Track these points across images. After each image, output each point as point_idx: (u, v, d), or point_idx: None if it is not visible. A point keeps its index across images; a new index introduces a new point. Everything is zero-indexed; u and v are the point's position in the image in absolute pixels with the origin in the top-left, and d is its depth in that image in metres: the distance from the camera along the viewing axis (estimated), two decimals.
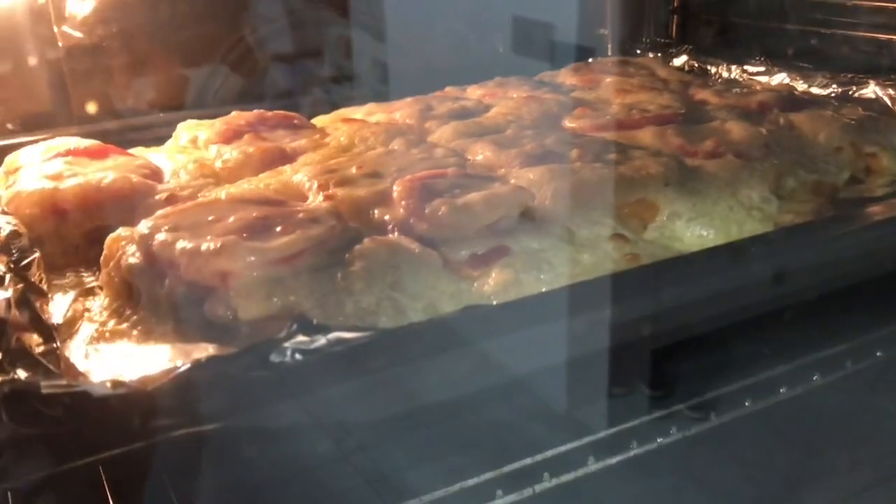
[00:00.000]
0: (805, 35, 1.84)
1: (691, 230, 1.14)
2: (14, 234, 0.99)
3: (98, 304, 1.03)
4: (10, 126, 1.60)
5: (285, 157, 1.32)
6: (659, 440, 1.03)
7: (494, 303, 0.93)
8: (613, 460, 1.00)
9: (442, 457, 1.02)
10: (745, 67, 1.85)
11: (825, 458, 1.19)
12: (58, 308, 1.01)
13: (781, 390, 1.13)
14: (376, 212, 1.07)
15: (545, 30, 2.02)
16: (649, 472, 1.09)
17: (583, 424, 1.03)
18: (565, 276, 0.98)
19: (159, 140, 1.53)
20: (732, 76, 1.86)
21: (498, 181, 1.14)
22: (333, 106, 1.74)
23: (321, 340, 0.81)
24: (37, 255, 0.98)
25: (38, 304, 0.89)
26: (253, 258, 0.91)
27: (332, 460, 1.04)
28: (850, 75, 1.67)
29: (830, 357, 1.18)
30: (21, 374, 0.70)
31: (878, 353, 1.20)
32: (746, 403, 1.11)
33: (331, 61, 1.96)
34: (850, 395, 1.23)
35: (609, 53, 2.21)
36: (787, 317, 1.16)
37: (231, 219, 0.99)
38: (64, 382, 0.70)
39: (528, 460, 0.97)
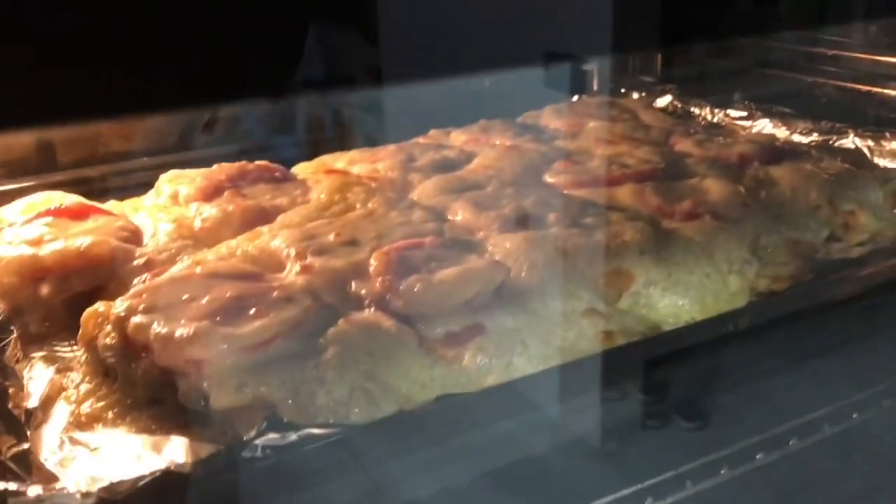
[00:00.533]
0: (788, 81, 1.85)
1: (666, 299, 1.15)
2: None
3: (75, 380, 1.03)
4: None
5: (265, 216, 1.33)
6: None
7: (467, 390, 0.94)
8: None
9: None
10: (728, 112, 1.86)
11: (816, 467, 1.20)
12: (35, 386, 1.01)
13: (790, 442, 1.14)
14: (353, 284, 1.08)
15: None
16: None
17: None
18: (539, 358, 0.99)
19: (144, 186, 1.54)
20: (715, 119, 1.87)
21: (475, 251, 1.15)
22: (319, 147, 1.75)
23: (292, 437, 0.82)
24: (14, 335, 0.99)
25: (12, 392, 0.90)
26: (226, 346, 0.91)
27: None
28: (830, 124, 1.68)
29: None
30: None
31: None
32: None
33: (315, 101, 1.96)
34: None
35: (595, 88, 2.22)
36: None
37: (205, 299, 0.99)
38: (33, 496, 0.70)
39: None
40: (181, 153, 1.79)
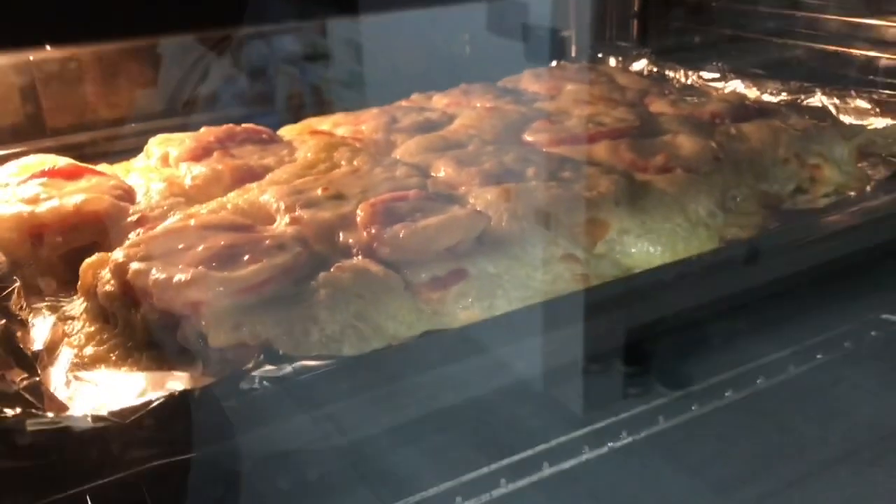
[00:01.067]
0: (761, 46, 1.91)
1: (639, 246, 1.21)
2: None
3: (76, 327, 1.08)
4: None
5: (253, 175, 1.37)
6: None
7: (451, 327, 0.99)
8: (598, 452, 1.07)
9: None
10: (701, 74, 1.92)
11: (796, 432, 1.26)
12: (38, 333, 1.05)
13: (758, 381, 1.20)
14: (341, 235, 1.13)
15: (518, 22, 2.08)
16: (626, 453, 1.16)
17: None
18: (518, 300, 1.05)
19: (132, 151, 1.58)
20: (689, 82, 1.93)
21: (457, 203, 1.20)
22: (304, 107, 1.79)
23: (287, 369, 0.87)
24: (17, 284, 1.03)
25: (19, 335, 0.94)
26: (221, 288, 0.96)
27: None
28: (799, 84, 1.74)
29: (800, 350, 1.25)
30: (7, 411, 0.75)
31: None
32: (727, 394, 1.18)
33: (303, 67, 2.00)
34: (821, 371, 1.30)
35: (573, 55, 2.27)
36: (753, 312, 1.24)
37: (200, 247, 1.04)
38: (48, 419, 0.75)
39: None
40: (166, 119, 1.83)
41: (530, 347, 0.97)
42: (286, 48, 2.00)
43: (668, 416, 1.13)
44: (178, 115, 1.86)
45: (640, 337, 1.11)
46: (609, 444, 1.07)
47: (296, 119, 1.70)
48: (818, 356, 1.26)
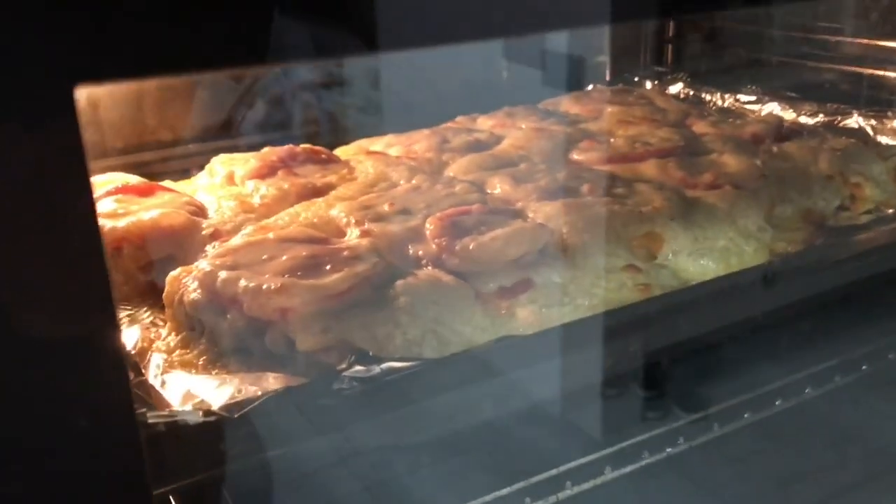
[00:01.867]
0: (793, 67, 1.96)
1: (694, 261, 1.26)
2: None
3: (163, 334, 1.13)
4: None
5: (317, 193, 1.43)
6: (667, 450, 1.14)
7: (524, 333, 1.05)
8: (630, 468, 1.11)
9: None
10: (738, 97, 1.97)
11: (813, 456, 1.29)
12: (126, 339, 1.11)
13: (777, 403, 1.25)
14: (410, 248, 1.18)
15: (553, 57, 2.14)
16: (647, 474, 1.20)
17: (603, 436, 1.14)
18: (584, 308, 1.10)
19: (188, 172, 1.64)
20: (726, 105, 1.99)
21: (519, 217, 1.26)
22: (348, 134, 1.85)
23: (376, 370, 0.93)
24: None
25: None
26: (308, 296, 1.02)
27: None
28: (835, 105, 1.80)
29: (822, 371, 1.29)
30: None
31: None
32: (745, 416, 1.22)
33: (350, 91, 2.07)
34: (839, 395, 1.34)
35: (607, 79, 2.34)
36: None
37: (283, 258, 1.10)
38: (164, 412, 0.81)
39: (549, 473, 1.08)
40: (224, 140, 1.90)
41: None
42: (303, 77, 2.06)
43: (687, 437, 1.17)
44: (232, 137, 1.93)
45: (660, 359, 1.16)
46: (630, 466, 1.11)
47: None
48: (835, 378, 1.30)
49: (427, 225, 1.21)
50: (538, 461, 1.08)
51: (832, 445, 1.33)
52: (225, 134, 1.94)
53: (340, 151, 1.70)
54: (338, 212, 1.29)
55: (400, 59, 2.05)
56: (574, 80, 2.21)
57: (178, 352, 1.09)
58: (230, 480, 0.88)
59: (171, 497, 0.86)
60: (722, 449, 1.27)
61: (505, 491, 1.03)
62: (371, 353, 0.94)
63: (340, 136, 1.93)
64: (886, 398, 1.39)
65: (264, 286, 1.03)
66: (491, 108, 1.95)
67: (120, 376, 0.48)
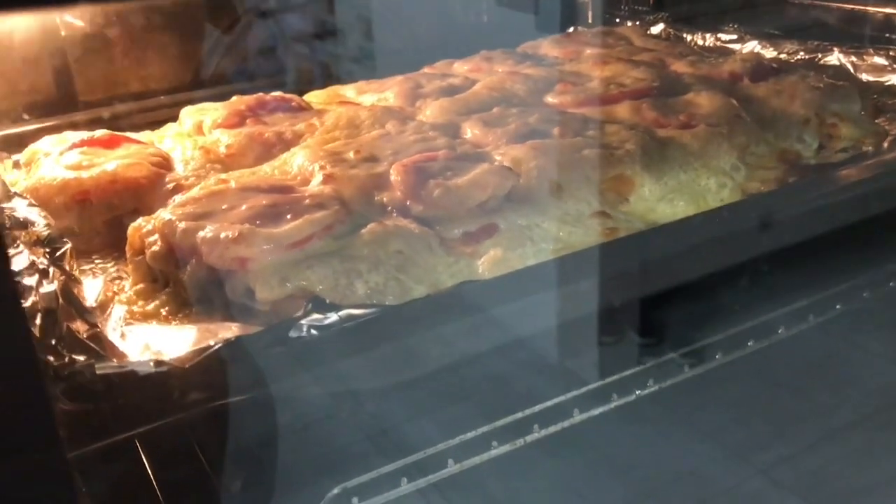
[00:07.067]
0: (776, 7, 1.92)
1: (664, 202, 1.25)
2: (46, 227, 1.09)
3: (125, 287, 1.13)
4: (25, 116, 1.68)
5: (285, 141, 1.41)
6: (652, 387, 1.13)
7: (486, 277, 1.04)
8: (601, 409, 1.11)
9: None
10: (719, 35, 1.94)
11: (810, 399, 1.29)
12: (89, 292, 1.10)
13: (779, 330, 1.23)
14: (376, 194, 1.17)
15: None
16: (641, 418, 1.20)
17: (576, 375, 1.14)
18: (548, 252, 1.09)
19: (160, 122, 1.62)
20: (707, 44, 1.95)
21: (486, 161, 1.24)
22: (325, 79, 1.82)
23: (333, 317, 0.92)
24: (69, 245, 1.07)
25: (76, 292, 0.99)
26: (267, 245, 1.01)
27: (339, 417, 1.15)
28: (816, 43, 1.76)
29: (820, 300, 1.28)
30: (77, 357, 0.80)
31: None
32: (736, 351, 1.21)
33: (322, 37, 2.03)
34: (834, 338, 1.33)
35: (590, 21, 2.29)
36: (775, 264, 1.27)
37: (243, 206, 1.08)
38: (114, 363, 0.80)
39: (521, 414, 1.08)
40: (192, 92, 1.87)
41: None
42: (294, 26, 2.02)
43: (692, 365, 1.17)
44: (184, 91, 1.90)
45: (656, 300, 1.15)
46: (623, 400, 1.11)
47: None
48: (837, 306, 1.29)
49: (391, 172, 1.19)
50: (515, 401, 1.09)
51: (828, 387, 1.33)
52: (216, 84, 1.91)
53: (312, 96, 1.67)
54: (303, 160, 1.27)
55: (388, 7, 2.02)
56: (566, 24, 2.18)
57: (139, 303, 1.08)
58: (191, 426, 0.89)
59: (136, 441, 0.87)
60: (719, 394, 1.28)
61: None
62: (328, 301, 0.93)
63: (321, 85, 1.90)
64: (880, 341, 1.39)
65: (222, 235, 1.01)
66: (467, 54, 1.92)
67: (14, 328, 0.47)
